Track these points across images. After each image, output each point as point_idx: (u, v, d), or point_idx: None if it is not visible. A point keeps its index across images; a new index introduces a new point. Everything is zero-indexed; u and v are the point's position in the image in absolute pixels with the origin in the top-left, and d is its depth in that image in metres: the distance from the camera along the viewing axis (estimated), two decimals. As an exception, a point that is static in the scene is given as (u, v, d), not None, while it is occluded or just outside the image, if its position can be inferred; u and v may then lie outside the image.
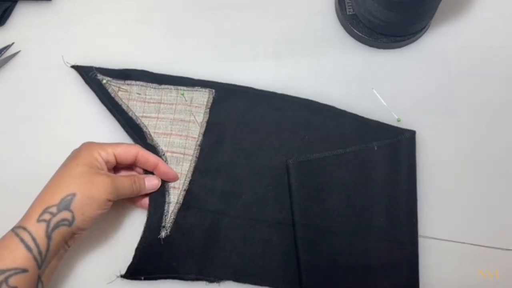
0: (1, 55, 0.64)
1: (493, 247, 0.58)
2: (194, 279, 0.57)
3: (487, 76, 0.63)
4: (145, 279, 0.57)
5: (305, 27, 0.65)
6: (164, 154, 0.58)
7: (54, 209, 0.48)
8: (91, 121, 0.62)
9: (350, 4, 0.63)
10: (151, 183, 0.56)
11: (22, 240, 0.47)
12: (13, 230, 0.48)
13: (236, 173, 0.59)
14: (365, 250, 0.56)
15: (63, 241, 0.49)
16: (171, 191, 0.57)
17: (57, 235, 0.48)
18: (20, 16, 0.66)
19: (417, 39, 0.64)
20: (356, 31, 0.63)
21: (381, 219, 0.57)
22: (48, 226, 0.48)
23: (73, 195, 0.49)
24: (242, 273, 0.57)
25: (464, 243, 0.58)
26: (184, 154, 0.59)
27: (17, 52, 0.64)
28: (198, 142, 0.59)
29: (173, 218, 0.57)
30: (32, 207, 0.49)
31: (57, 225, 0.48)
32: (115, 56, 0.64)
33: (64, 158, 0.60)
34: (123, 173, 0.57)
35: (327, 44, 0.64)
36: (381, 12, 0.58)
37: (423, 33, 0.64)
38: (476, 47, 0.64)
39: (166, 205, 0.57)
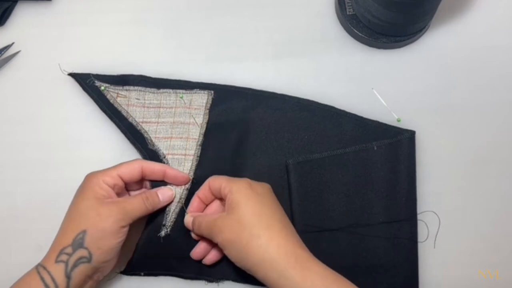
0: (1, 55, 0.64)
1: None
2: (193, 277, 0.57)
3: (487, 76, 0.63)
4: (145, 275, 0.57)
5: (305, 27, 0.65)
6: (165, 157, 0.58)
7: (69, 250, 0.49)
8: (91, 121, 0.62)
9: (350, 4, 0.63)
10: (165, 195, 0.56)
11: (43, 279, 0.48)
12: (36, 267, 0.49)
13: (236, 173, 0.59)
14: (364, 250, 0.56)
15: (86, 277, 0.50)
16: (174, 189, 0.57)
17: (77, 273, 0.49)
18: (20, 16, 0.66)
19: (417, 39, 0.64)
20: (356, 31, 0.63)
21: (380, 219, 0.57)
22: (66, 266, 0.48)
23: (84, 232, 0.49)
24: (241, 273, 0.57)
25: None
26: (185, 155, 0.59)
27: (17, 52, 0.64)
28: (199, 142, 0.59)
29: (174, 218, 0.57)
30: (51, 247, 0.50)
31: (75, 264, 0.49)
32: (115, 55, 0.64)
33: (64, 159, 0.61)
34: (135, 193, 0.57)
35: (327, 44, 0.64)
36: (381, 12, 0.58)
37: (423, 33, 0.64)
38: (476, 47, 0.64)
39: (168, 204, 0.57)
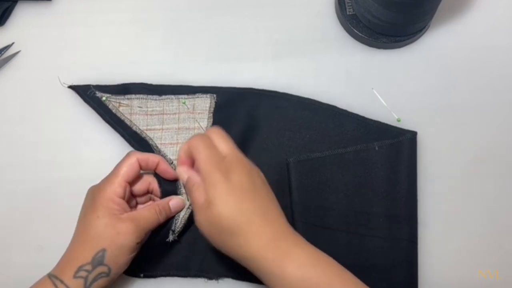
0: (1, 55, 0.64)
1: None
2: (193, 275, 0.57)
3: (487, 76, 0.63)
4: (145, 276, 0.57)
5: (305, 27, 0.65)
6: (172, 163, 0.58)
7: (88, 267, 0.49)
8: (91, 121, 0.62)
9: (350, 4, 0.63)
10: (176, 205, 0.56)
11: None
12: (50, 278, 0.49)
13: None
14: (364, 250, 0.56)
15: None
16: (184, 197, 0.57)
17: (95, 287, 0.49)
18: (20, 16, 0.66)
19: (417, 39, 0.64)
20: (356, 31, 0.63)
21: (380, 219, 0.57)
22: (85, 281, 0.49)
23: (104, 250, 0.49)
24: (241, 270, 0.57)
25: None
26: None
27: (17, 52, 0.64)
28: None
29: (183, 223, 0.56)
30: (65, 261, 0.50)
31: (95, 279, 0.49)
32: (115, 56, 0.64)
33: (65, 159, 0.61)
34: (142, 198, 0.57)
35: (327, 44, 0.64)
36: (381, 12, 0.58)
37: (423, 33, 0.64)
38: (476, 47, 0.64)
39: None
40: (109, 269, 0.49)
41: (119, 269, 0.51)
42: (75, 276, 0.48)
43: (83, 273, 0.48)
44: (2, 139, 0.62)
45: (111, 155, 0.60)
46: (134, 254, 0.52)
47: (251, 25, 0.65)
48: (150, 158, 0.55)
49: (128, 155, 0.54)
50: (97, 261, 0.49)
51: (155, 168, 0.56)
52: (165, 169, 0.56)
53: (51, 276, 0.49)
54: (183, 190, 0.57)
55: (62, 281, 0.48)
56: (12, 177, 0.61)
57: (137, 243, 0.51)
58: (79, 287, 0.48)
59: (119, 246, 0.50)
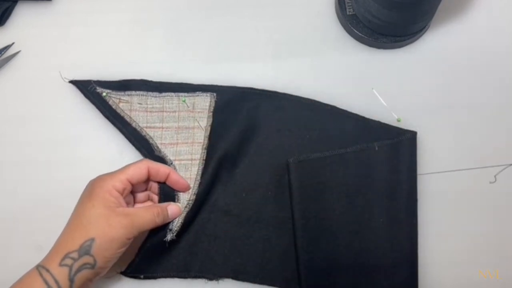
0: (1, 55, 0.64)
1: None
2: (193, 276, 0.57)
3: (487, 76, 0.63)
4: (145, 278, 0.57)
5: (305, 27, 0.65)
6: (172, 163, 0.58)
7: (75, 255, 0.49)
8: (91, 121, 0.62)
9: (350, 4, 0.63)
10: (173, 211, 0.56)
11: (46, 282, 0.48)
12: (37, 268, 0.49)
13: (238, 172, 0.59)
14: (364, 250, 0.56)
15: (87, 280, 0.50)
16: (181, 195, 0.57)
17: (79, 278, 0.49)
18: (20, 16, 0.66)
19: (417, 39, 0.64)
20: (356, 31, 0.63)
21: (381, 219, 0.57)
22: (70, 270, 0.48)
23: (92, 240, 0.49)
24: (241, 271, 0.57)
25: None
26: (191, 159, 0.59)
27: (17, 52, 0.64)
28: (204, 146, 0.59)
29: (181, 222, 0.57)
30: (54, 249, 0.50)
31: (79, 269, 0.49)
32: (115, 56, 0.64)
33: (65, 158, 0.61)
34: (141, 195, 0.57)
35: (327, 44, 0.64)
36: (381, 12, 0.58)
37: (423, 33, 0.64)
38: (476, 47, 0.64)
39: None
40: (95, 261, 0.49)
41: (105, 263, 0.50)
42: (61, 264, 0.48)
43: (68, 261, 0.48)
44: (2, 139, 0.62)
45: (112, 155, 0.61)
46: (122, 249, 0.51)
47: (251, 25, 0.65)
48: (161, 169, 0.55)
49: (140, 160, 0.55)
50: (84, 249, 0.49)
51: (166, 179, 0.56)
52: (176, 180, 0.56)
53: (38, 266, 0.49)
54: (180, 197, 0.57)
55: (48, 270, 0.48)
56: (12, 177, 0.61)
57: (128, 239, 0.51)
58: (64, 275, 0.48)
59: (108, 239, 0.49)
